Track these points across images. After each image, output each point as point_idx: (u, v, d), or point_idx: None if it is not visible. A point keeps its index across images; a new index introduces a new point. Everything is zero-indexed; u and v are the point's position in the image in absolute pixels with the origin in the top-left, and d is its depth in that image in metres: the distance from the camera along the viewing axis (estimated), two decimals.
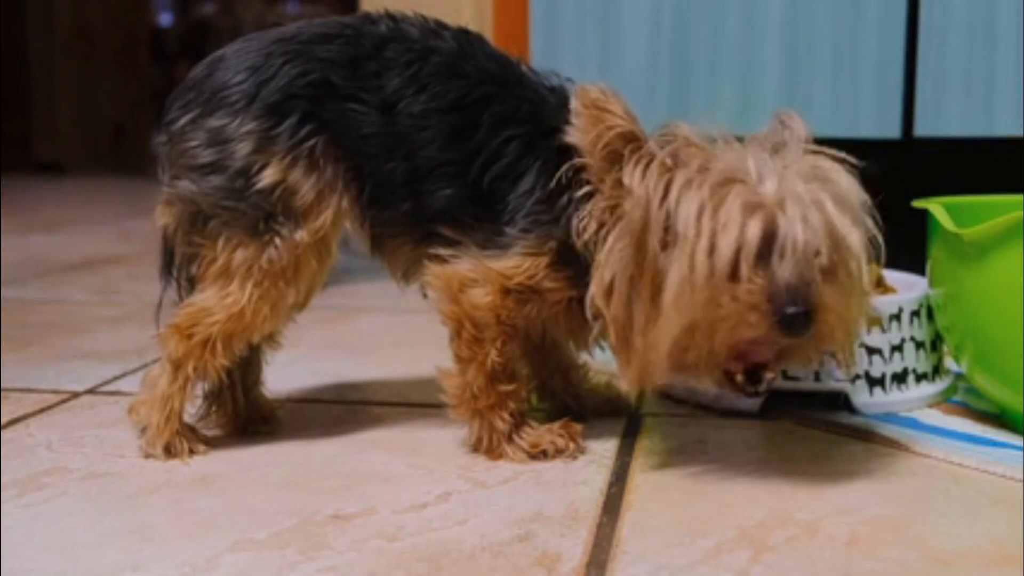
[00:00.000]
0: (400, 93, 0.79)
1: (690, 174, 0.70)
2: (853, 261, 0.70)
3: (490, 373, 0.79)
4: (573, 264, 0.78)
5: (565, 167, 0.76)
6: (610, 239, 0.74)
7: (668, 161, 0.71)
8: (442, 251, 0.80)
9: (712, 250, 0.67)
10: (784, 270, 0.67)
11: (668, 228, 0.70)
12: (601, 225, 0.74)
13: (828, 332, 0.69)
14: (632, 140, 0.73)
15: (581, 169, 0.76)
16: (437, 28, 0.82)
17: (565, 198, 0.77)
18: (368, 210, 0.81)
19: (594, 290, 0.74)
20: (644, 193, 0.71)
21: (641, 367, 0.73)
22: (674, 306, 0.68)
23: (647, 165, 0.72)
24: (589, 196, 0.75)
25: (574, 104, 0.75)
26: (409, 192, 0.80)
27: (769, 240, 0.67)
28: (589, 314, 0.76)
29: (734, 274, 0.67)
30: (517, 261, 0.78)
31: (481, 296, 0.78)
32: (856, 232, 0.70)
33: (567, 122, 0.76)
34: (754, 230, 0.67)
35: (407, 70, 0.79)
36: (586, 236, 0.75)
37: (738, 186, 0.69)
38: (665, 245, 0.70)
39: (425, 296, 0.82)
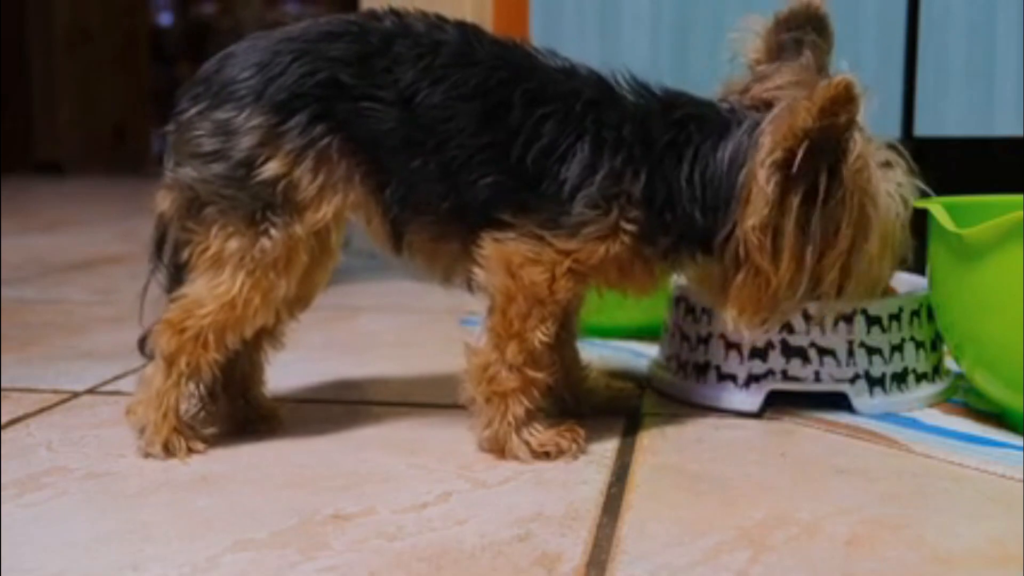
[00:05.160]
0: (416, 86, 0.79)
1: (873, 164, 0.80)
2: None
3: (530, 352, 0.79)
4: (653, 234, 0.80)
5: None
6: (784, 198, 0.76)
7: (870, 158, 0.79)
8: (498, 235, 0.79)
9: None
10: None
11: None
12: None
13: None
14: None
15: (648, 143, 0.79)
16: (439, 22, 0.83)
17: (631, 169, 0.78)
18: (394, 210, 0.81)
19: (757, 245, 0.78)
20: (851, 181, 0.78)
21: (775, 303, 0.80)
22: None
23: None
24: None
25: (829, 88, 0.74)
26: (447, 188, 0.80)
27: None
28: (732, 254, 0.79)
29: None
30: (591, 245, 0.78)
31: (540, 273, 0.79)
32: None
33: (594, 97, 0.80)
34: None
35: (419, 63, 0.80)
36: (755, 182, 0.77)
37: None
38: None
39: (469, 289, 0.83)
